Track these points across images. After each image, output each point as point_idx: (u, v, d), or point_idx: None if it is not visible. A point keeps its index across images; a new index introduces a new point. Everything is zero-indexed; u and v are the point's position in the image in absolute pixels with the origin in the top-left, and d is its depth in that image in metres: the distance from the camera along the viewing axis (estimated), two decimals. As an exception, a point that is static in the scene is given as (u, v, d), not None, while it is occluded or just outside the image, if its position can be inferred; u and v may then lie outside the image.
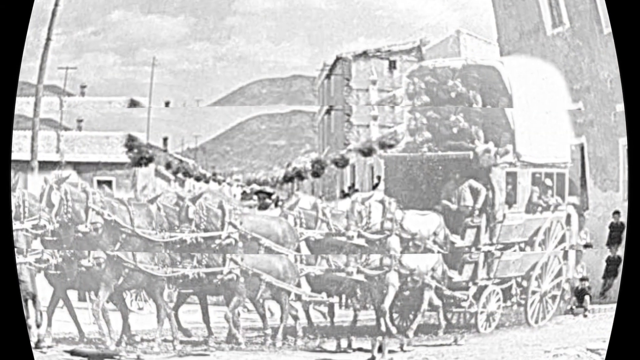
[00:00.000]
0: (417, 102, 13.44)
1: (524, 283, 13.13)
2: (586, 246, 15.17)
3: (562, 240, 13.64)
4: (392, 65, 33.45)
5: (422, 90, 13.40)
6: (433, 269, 12.16)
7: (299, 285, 11.68)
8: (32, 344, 9.66)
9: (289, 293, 11.50)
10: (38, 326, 10.27)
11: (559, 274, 13.75)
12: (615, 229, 15.98)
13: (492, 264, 12.64)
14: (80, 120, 31.21)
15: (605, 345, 6.20)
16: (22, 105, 24.12)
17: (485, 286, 12.61)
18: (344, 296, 13.15)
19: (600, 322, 13.02)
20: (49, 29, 18.30)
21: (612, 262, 16.08)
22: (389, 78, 32.66)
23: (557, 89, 14.27)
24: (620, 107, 16.06)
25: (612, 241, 15.99)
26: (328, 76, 35.05)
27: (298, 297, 11.76)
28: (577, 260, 15.12)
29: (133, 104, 13.60)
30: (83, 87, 33.03)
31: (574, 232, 14.76)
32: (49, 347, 10.13)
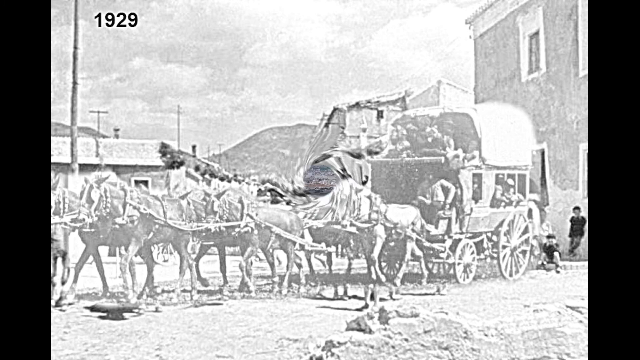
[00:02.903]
0: (399, 146, 13.91)
1: (494, 238, 13.64)
2: (549, 237, 15.62)
3: (526, 231, 14.21)
4: (380, 115, 35.39)
5: (403, 137, 13.91)
6: (413, 223, 12.60)
7: (302, 236, 12.32)
8: (53, 303, 9.67)
9: (294, 243, 12.05)
10: (63, 283, 10.22)
11: (526, 230, 14.26)
12: (576, 222, 16.95)
13: (464, 220, 13.14)
14: (117, 130, 33.16)
15: (585, 304, 5.90)
16: (58, 145, 25.14)
17: (459, 239, 13.08)
18: (339, 246, 14.50)
19: (574, 279, 13.42)
20: (74, 72, 19.62)
21: (576, 222, 16.85)
22: (376, 126, 34.51)
23: (523, 132, 14.53)
24: (584, 145, 16.75)
25: (574, 233, 16.99)
26: (327, 125, 37.05)
27: (302, 247, 12.37)
28: (541, 219, 15.61)
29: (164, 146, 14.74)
30: (116, 130, 35.30)
31: (536, 224, 15.10)
32: (69, 304, 9.95)
